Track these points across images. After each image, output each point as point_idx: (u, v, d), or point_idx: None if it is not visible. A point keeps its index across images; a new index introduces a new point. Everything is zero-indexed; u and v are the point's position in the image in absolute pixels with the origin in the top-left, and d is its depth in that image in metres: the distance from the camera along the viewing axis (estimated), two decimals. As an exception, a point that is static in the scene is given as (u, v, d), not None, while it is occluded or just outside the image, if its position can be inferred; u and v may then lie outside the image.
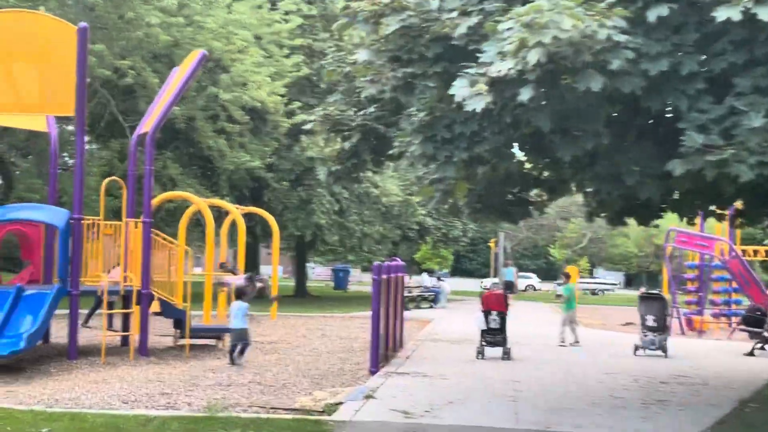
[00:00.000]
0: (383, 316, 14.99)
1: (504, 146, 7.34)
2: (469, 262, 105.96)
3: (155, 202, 20.18)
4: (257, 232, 35.19)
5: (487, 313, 16.54)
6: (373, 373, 14.18)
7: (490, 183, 8.73)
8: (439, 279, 36.79)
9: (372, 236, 35.20)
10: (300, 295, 40.81)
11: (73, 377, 13.31)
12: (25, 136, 32.44)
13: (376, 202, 34.44)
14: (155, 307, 15.95)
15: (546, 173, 9.13)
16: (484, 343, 16.58)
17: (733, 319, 24.70)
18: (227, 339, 17.14)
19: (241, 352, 15.06)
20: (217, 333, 17.31)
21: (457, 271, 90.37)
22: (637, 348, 17.93)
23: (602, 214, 14.84)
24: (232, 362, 14.92)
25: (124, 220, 15.82)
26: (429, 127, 7.21)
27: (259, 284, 18.88)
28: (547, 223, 61.26)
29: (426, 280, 36.25)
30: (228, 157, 29.69)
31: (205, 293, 20.11)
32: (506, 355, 16.40)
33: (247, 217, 33.47)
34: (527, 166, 9.20)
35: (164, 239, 16.55)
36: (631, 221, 14.13)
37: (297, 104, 31.89)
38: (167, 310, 16.33)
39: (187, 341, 16.39)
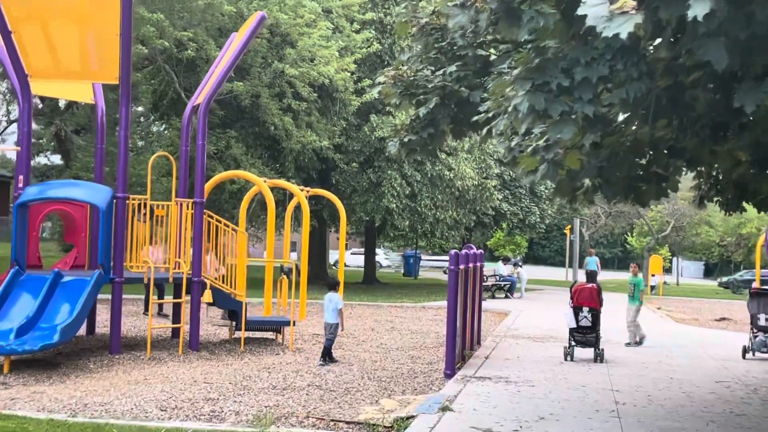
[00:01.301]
0: (460, 311, 13.23)
1: (643, 98, 5.46)
2: (542, 250, 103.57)
3: (212, 181, 18.73)
4: (324, 216, 33.61)
5: (577, 309, 14.64)
6: (448, 376, 12.46)
7: (613, 152, 6.83)
8: (516, 266, 34.64)
9: (445, 221, 33.24)
10: (368, 282, 39.24)
11: (111, 375, 11.88)
12: (86, 113, 31.51)
13: (450, 185, 32.42)
14: (209, 296, 14.42)
15: (685, 139, 7.13)
16: (573, 342, 14.70)
17: None
18: (287, 332, 15.61)
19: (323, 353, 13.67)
20: (275, 325, 15.72)
21: (530, 258, 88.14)
22: (746, 350, 15.84)
23: (716, 199, 12.97)
24: (324, 362, 13.49)
25: (174, 199, 14.29)
26: (540, 71, 5.37)
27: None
28: (626, 210, 58.52)
29: (501, 268, 34.16)
30: (294, 136, 28.17)
31: (266, 281, 18.58)
32: (599, 358, 14.49)
33: (314, 200, 31.99)
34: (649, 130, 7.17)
35: (218, 221, 15.02)
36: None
37: (367, 82, 30.21)
38: (220, 299, 14.80)
39: (242, 334, 14.87)
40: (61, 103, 33.03)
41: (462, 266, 13.23)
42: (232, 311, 15.16)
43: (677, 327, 22.96)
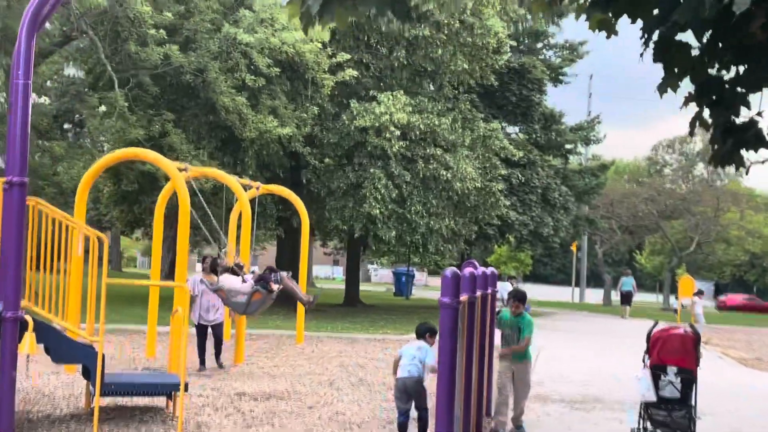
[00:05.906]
0: (461, 380, 7.31)
1: None
2: (543, 267, 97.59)
3: (102, 163, 12.78)
4: (294, 224, 27.53)
5: (658, 370, 8.71)
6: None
7: None
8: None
9: (440, 232, 27.01)
10: (350, 304, 33.19)
11: None
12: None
13: (447, 188, 26.27)
14: (32, 344, 8.44)
15: None
16: (649, 423, 8.76)
17: None
18: (180, 399, 9.57)
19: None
20: (154, 389, 9.65)
21: (532, 277, 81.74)
22: None
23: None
24: None
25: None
26: None
27: (276, 286, 11.27)
28: (646, 224, 52.47)
29: (505, 289, 27.81)
30: (250, 121, 22.27)
31: (149, 312, 12.52)
32: (694, 454, 8.55)
33: (281, 204, 26.09)
34: None
35: (52, 211, 9.09)
36: None
37: (344, 56, 24.27)
38: (59, 347, 8.83)
39: (96, 404, 8.86)
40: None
41: (464, 296, 7.35)
42: (85, 366, 9.17)
43: (750, 375, 17.04)
